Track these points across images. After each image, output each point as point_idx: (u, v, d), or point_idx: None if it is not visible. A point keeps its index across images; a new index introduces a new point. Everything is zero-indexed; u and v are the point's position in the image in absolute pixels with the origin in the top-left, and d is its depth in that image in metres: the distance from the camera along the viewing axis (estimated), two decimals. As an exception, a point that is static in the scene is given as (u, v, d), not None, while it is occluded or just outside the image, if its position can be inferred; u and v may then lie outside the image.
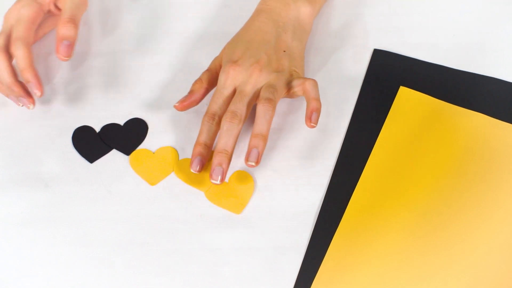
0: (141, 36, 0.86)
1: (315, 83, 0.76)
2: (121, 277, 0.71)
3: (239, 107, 0.74)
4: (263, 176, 0.76)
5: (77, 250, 0.73)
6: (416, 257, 0.71)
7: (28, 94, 0.78)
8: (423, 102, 0.80)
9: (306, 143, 0.78)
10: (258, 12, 0.81)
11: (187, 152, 0.78)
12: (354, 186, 0.75)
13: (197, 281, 0.71)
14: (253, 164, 0.72)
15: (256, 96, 0.75)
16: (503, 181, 0.75)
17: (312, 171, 0.76)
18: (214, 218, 0.74)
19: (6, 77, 0.77)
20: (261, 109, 0.73)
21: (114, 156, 0.78)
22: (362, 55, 0.84)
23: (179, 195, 0.75)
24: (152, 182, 0.76)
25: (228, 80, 0.76)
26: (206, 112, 0.76)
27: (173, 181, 0.76)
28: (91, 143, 0.79)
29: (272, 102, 0.74)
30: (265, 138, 0.73)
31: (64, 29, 0.78)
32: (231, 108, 0.74)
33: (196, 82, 0.78)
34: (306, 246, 0.72)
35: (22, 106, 0.78)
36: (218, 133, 0.75)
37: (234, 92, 0.76)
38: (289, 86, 0.76)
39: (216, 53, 0.82)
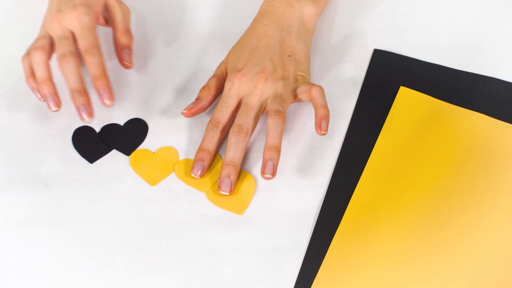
0: (140, 37, 0.86)
1: (321, 90, 0.76)
2: (121, 277, 0.71)
3: (245, 120, 0.75)
4: (259, 172, 0.76)
5: (77, 250, 0.73)
6: (416, 257, 0.71)
7: (57, 96, 0.76)
8: (423, 102, 0.80)
9: (306, 143, 0.78)
10: (262, 14, 0.81)
11: (187, 152, 0.78)
12: (354, 186, 0.75)
13: (197, 281, 0.71)
14: (270, 176, 0.74)
15: (262, 108, 0.76)
16: (503, 181, 0.75)
17: (312, 171, 0.76)
18: (214, 218, 0.74)
19: (43, 73, 0.76)
20: (271, 122, 0.74)
21: (114, 156, 0.78)
22: (362, 55, 0.84)
23: (179, 195, 0.76)
24: (152, 182, 0.76)
25: (233, 89, 0.76)
26: (210, 120, 0.76)
27: (173, 181, 0.76)
28: (91, 143, 0.79)
29: (281, 114, 0.74)
30: (278, 150, 0.74)
31: (124, 39, 0.80)
32: (237, 121, 0.75)
33: (203, 89, 0.79)
34: (307, 246, 0.72)
35: (43, 101, 0.77)
36: (226, 145, 0.75)
37: (238, 101, 0.76)
38: (295, 92, 0.77)
39: (216, 53, 0.82)
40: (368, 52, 0.84)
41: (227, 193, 0.74)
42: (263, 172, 0.74)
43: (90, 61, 0.76)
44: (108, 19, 0.82)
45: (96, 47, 0.77)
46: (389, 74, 0.83)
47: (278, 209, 0.74)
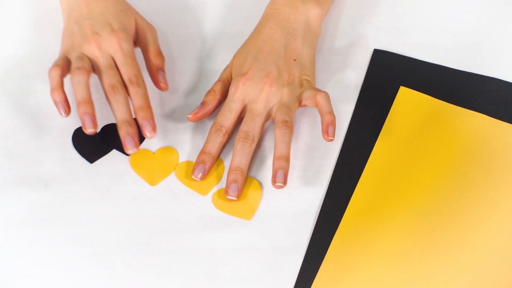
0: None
1: (327, 96, 0.76)
2: (121, 277, 0.71)
3: (251, 127, 0.75)
4: (263, 176, 0.76)
5: (77, 250, 0.73)
6: (416, 257, 0.71)
7: (95, 117, 0.74)
8: (423, 102, 0.80)
9: (306, 143, 0.78)
10: (266, 18, 0.81)
11: (187, 152, 0.78)
12: (354, 186, 0.75)
13: (197, 281, 0.71)
14: (281, 184, 0.74)
15: (268, 115, 0.76)
16: (503, 181, 0.75)
17: (312, 171, 0.76)
18: (214, 218, 0.74)
19: (84, 94, 0.74)
20: (279, 132, 0.74)
21: (114, 156, 0.78)
22: (362, 55, 0.84)
23: (179, 196, 0.75)
24: (152, 183, 0.76)
25: (237, 93, 0.76)
26: (214, 123, 0.76)
27: (173, 182, 0.76)
28: (91, 143, 0.79)
29: (288, 124, 0.75)
30: (287, 159, 0.74)
31: (157, 61, 0.80)
32: (243, 128, 0.75)
33: (208, 93, 0.79)
34: (306, 246, 0.72)
35: (65, 116, 0.76)
36: (232, 151, 0.75)
37: (243, 105, 0.76)
38: (300, 98, 0.77)
39: (216, 53, 0.82)
40: (368, 52, 0.84)
41: (234, 198, 0.74)
42: (274, 181, 0.74)
43: (136, 91, 0.75)
44: (136, 41, 0.81)
45: (140, 77, 0.76)
46: (389, 74, 0.83)
47: (278, 209, 0.74)
